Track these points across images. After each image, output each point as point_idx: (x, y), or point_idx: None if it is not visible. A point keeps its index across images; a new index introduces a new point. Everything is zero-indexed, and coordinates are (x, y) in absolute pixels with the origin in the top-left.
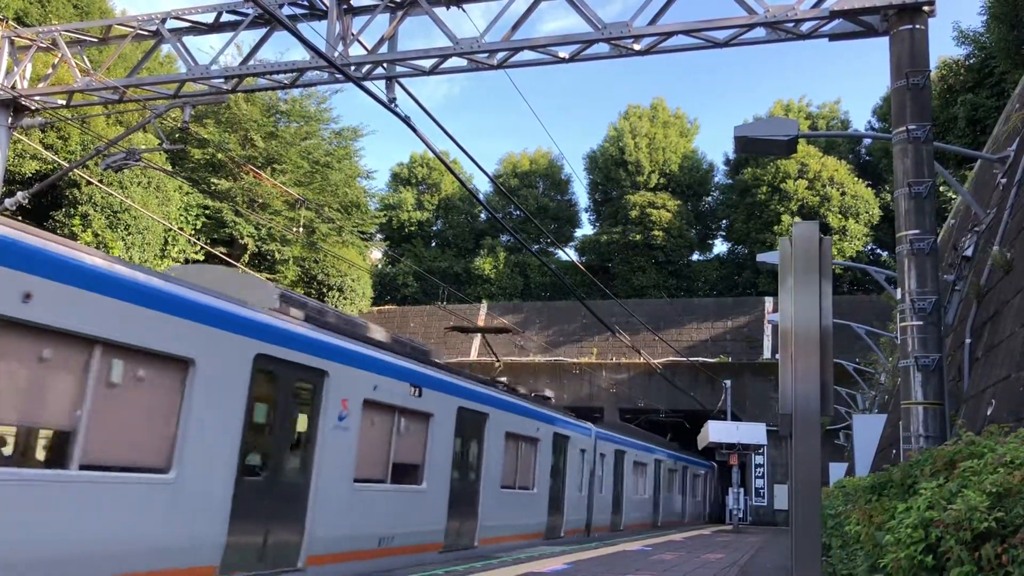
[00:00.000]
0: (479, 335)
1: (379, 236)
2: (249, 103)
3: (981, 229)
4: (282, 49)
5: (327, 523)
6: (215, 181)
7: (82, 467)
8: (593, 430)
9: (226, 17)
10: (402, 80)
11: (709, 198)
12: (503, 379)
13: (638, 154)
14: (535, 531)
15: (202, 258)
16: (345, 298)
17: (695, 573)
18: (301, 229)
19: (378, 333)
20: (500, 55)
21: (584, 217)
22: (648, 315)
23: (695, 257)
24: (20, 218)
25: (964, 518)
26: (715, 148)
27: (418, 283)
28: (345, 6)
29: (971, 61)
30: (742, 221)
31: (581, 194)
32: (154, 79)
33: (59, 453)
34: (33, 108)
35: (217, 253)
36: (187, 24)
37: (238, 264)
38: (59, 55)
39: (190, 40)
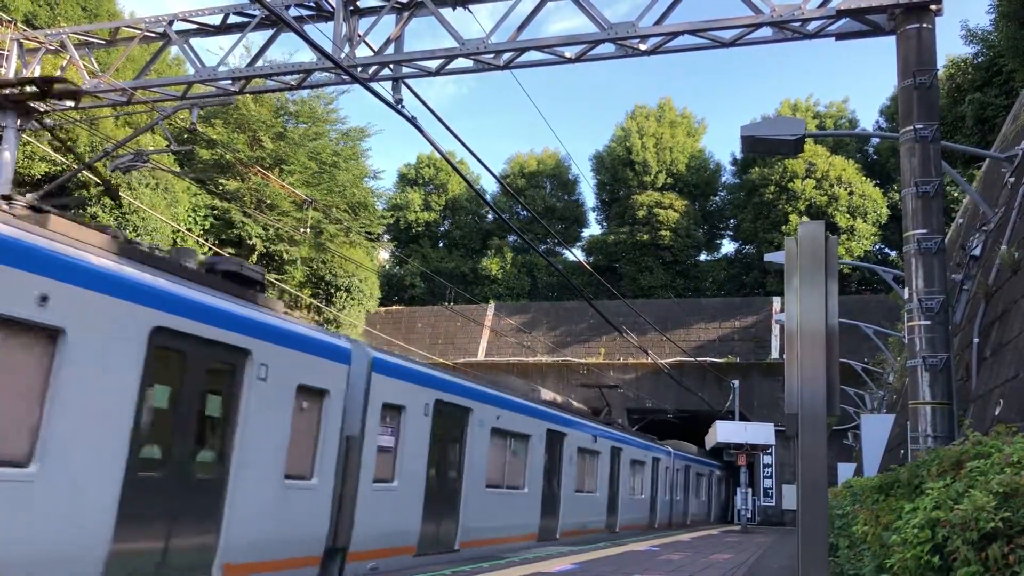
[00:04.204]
0: (485, 334)
1: (386, 237)
2: (258, 104)
3: (989, 228)
4: (291, 50)
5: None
6: (223, 182)
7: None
8: (367, 353)
9: (233, 19)
10: (408, 81)
11: (716, 198)
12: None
13: (645, 154)
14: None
15: None
16: (352, 298)
17: (702, 573)
18: (309, 230)
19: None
20: (506, 55)
21: (591, 217)
22: (655, 315)
23: (702, 257)
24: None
25: (971, 518)
26: (722, 148)
27: (425, 283)
28: (351, 7)
29: (979, 60)
30: (750, 221)
31: (588, 194)
32: (162, 81)
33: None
34: (42, 110)
35: (225, 254)
36: (194, 26)
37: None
38: (67, 57)
39: (197, 42)
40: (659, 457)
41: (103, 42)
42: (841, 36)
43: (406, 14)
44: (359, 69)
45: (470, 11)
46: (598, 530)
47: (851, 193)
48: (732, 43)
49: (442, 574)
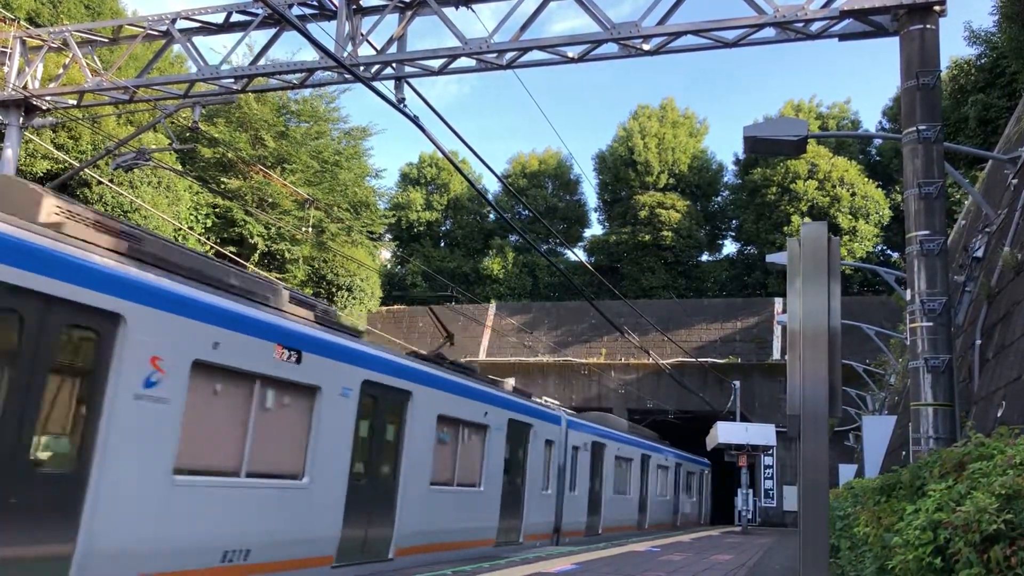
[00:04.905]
0: (486, 334)
1: (388, 236)
2: (260, 103)
3: (992, 230)
4: (294, 50)
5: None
6: (225, 180)
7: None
8: None
9: (236, 17)
10: (411, 80)
11: (718, 198)
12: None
13: (647, 154)
14: None
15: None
16: (354, 298)
17: (704, 574)
18: (310, 229)
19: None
20: (509, 55)
21: (593, 217)
22: (657, 316)
23: (704, 257)
24: None
25: (973, 520)
26: (725, 148)
27: (427, 283)
28: (354, 6)
29: (982, 61)
30: (752, 221)
31: (590, 194)
32: (164, 79)
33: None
34: (44, 108)
35: (227, 252)
36: (197, 24)
37: (248, 264)
38: (70, 55)
39: (200, 40)
40: (530, 424)
41: (106, 40)
42: (844, 37)
43: (409, 13)
44: (362, 68)
45: (473, 11)
46: (306, 562)
47: (853, 194)
48: (735, 43)
49: (442, 574)
